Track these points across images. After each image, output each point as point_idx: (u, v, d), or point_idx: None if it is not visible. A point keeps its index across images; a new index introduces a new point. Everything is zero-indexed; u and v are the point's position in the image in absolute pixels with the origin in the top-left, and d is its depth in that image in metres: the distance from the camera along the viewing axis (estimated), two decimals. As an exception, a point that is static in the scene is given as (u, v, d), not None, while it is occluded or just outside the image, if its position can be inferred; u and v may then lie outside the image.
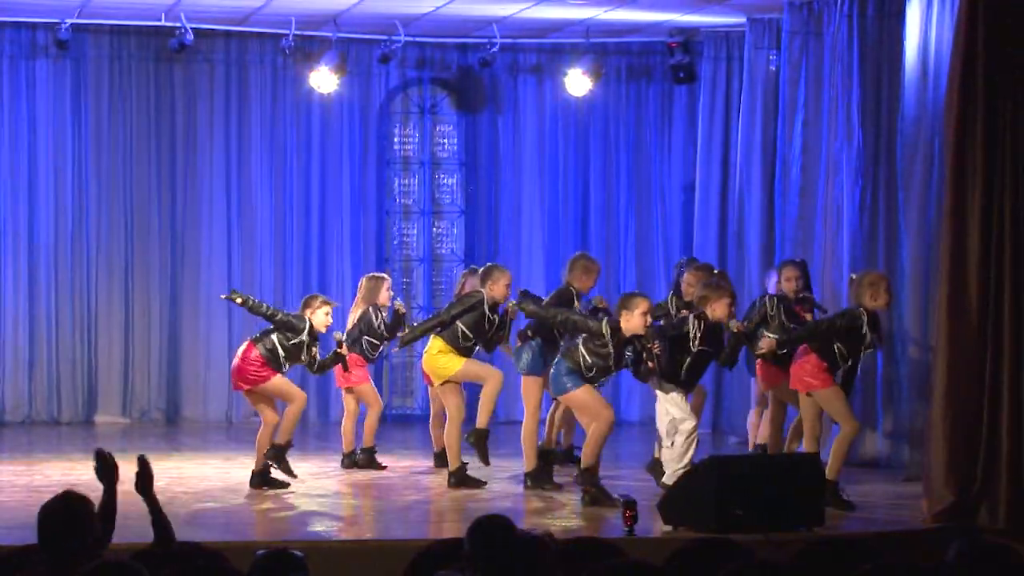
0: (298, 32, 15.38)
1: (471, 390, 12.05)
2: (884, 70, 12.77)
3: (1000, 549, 5.61)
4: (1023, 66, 9.96)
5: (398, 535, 9.82)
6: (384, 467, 12.45)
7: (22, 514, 9.85)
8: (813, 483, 9.74)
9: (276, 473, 11.42)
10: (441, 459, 12.14)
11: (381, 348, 12.70)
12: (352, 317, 12.52)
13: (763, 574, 6.16)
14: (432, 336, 11.50)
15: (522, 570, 5.56)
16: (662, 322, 11.36)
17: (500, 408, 15.46)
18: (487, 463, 11.45)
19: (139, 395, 15.77)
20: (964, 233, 9.98)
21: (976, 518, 9.89)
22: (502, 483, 11.63)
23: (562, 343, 11.36)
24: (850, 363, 10.66)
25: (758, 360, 11.52)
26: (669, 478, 10.52)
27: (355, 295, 12.78)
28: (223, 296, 11.85)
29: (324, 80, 15.31)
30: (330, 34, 15.42)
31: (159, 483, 11.47)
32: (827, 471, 10.27)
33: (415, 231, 16.61)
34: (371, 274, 12.95)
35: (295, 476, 11.43)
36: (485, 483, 11.39)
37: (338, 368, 12.04)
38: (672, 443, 10.72)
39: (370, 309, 12.36)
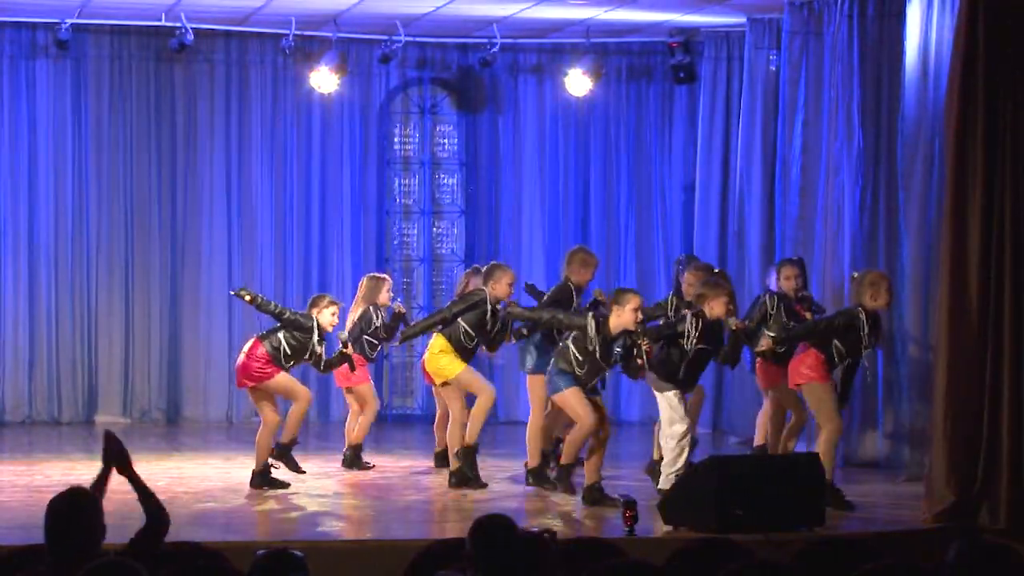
0: (298, 32, 15.39)
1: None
2: (884, 70, 12.77)
3: (1000, 549, 5.61)
4: (1023, 67, 9.95)
5: (398, 535, 9.82)
6: (371, 466, 12.45)
7: (22, 514, 9.86)
8: (813, 483, 9.74)
9: (277, 473, 11.43)
10: (442, 459, 12.14)
11: (380, 348, 12.72)
12: (352, 316, 12.53)
13: (763, 574, 6.16)
14: (435, 335, 11.50)
15: (523, 570, 5.56)
16: (660, 321, 11.35)
17: (500, 408, 15.51)
18: (484, 485, 11.40)
19: (139, 395, 15.77)
20: (964, 233, 9.97)
21: (977, 518, 9.89)
22: (502, 483, 11.64)
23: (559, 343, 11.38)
24: (849, 362, 10.66)
25: (758, 359, 11.52)
26: (664, 483, 10.51)
27: (355, 295, 12.78)
28: (232, 292, 11.85)
29: (324, 80, 15.31)
30: (330, 34, 15.42)
31: (159, 483, 11.54)
32: None
33: (415, 231, 16.61)
34: (372, 274, 12.96)
35: (303, 471, 11.43)
36: (486, 484, 11.39)
37: (340, 368, 12.05)
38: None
39: (370, 308, 12.38)
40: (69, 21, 14.90)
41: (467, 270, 12.91)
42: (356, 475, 12.23)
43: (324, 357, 11.54)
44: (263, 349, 11.31)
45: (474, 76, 16.43)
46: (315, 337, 11.36)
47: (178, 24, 14.83)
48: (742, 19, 14.75)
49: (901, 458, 12.29)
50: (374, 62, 15.99)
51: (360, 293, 12.53)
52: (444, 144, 16.70)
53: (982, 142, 9.93)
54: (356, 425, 12.55)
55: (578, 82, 15.70)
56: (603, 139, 16.54)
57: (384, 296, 12.45)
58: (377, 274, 12.97)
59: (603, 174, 16.51)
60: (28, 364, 15.51)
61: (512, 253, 16.11)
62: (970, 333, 9.94)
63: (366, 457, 12.64)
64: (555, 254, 15.90)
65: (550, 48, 16.43)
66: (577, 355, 10.61)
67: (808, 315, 11.64)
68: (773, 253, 13.93)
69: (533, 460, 11.30)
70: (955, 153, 10.02)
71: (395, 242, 16.56)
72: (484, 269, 11.89)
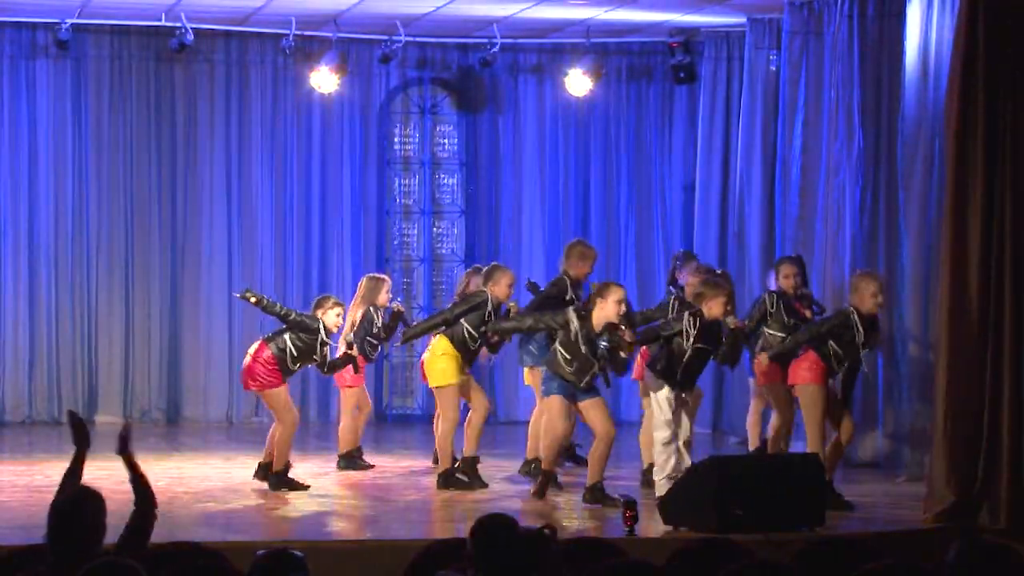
0: (298, 32, 15.39)
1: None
2: (884, 70, 12.77)
3: (1000, 549, 5.60)
4: (1023, 66, 9.95)
5: (398, 535, 9.82)
6: (371, 466, 12.46)
7: (22, 514, 9.86)
8: (813, 483, 9.74)
9: (293, 474, 11.43)
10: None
11: (379, 348, 12.72)
12: (351, 317, 12.51)
13: (763, 574, 6.16)
14: (438, 336, 11.50)
15: (524, 569, 5.56)
16: (660, 322, 11.36)
17: (500, 408, 15.52)
18: (485, 485, 11.42)
19: (139, 395, 15.77)
20: (964, 233, 9.98)
21: (977, 518, 9.90)
22: (502, 483, 11.64)
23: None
24: (847, 364, 10.67)
25: (756, 359, 11.53)
26: (659, 489, 10.51)
27: (354, 295, 12.77)
28: (237, 294, 11.83)
29: (324, 80, 15.31)
30: (330, 34, 15.42)
31: (160, 483, 11.53)
32: None
33: (415, 231, 16.61)
34: (372, 274, 12.96)
35: (307, 487, 11.40)
36: (487, 484, 11.40)
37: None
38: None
39: (370, 309, 12.37)
40: (69, 21, 14.90)
41: (467, 270, 12.90)
42: (356, 475, 12.23)
43: (329, 358, 11.55)
44: (269, 352, 11.30)
45: (474, 76, 16.43)
46: (321, 338, 11.37)
47: (178, 24, 14.83)
48: (742, 19, 14.75)
49: (901, 458, 12.29)
50: (374, 62, 15.99)
51: (359, 294, 12.52)
52: (444, 144, 16.70)
53: (982, 142, 9.93)
54: (353, 427, 12.57)
55: (578, 82, 15.70)
56: (603, 139, 16.54)
57: (383, 297, 12.45)
58: (376, 275, 12.97)
59: (603, 174, 16.52)
60: (28, 364, 15.50)
61: (512, 253, 16.11)
62: (970, 333, 9.94)
63: (365, 457, 12.65)
64: (555, 254, 15.85)
65: (550, 48, 16.43)
66: (565, 355, 10.61)
67: (808, 313, 11.64)
68: (773, 253, 13.93)
69: (532, 453, 11.37)
70: (955, 153, 10.02)
71: (395, 242, 16.56)
72: (484, 270, 11.89)
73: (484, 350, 11.66)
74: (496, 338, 11.57)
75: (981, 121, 9.93)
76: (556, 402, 10.68)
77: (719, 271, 12.16)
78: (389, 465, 12.72)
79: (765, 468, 10.03)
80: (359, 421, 12.64)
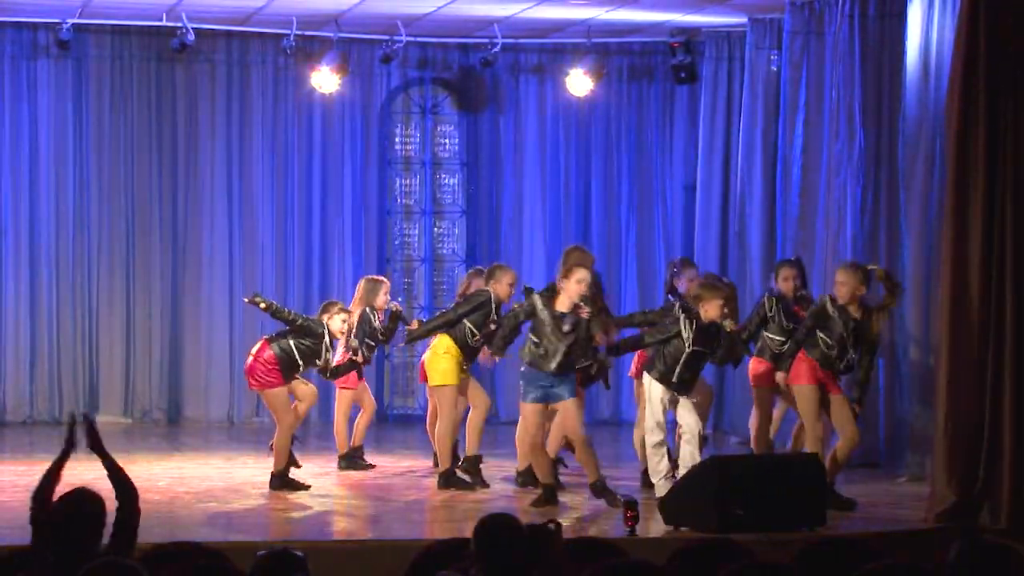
0: (299, 32, 15.39)
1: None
2: (885, 70, 12.77)
3: (1001, 550, 5.61)
4: (1024, 66, 9.96)
5: (399, 535, 9.82)
6: (371, 466, 12.46)
7: (23, 514, 9.82)
8: (814, 483, 9.74)
9: (295, 474, 11.44)
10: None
11: (376, 350, 12.69)
12: (350, 319, 12.50)
13: (764, 574, 6.16)
14: (439, 335, 11.50)
15: (528, 567, 5.56)
16: (641, 331, 11.41)
17: (501, 409, 15.50)
18: (487, 485, 11.42)
19: (140, 395, 15.78)
20: (965, 233, 9.97)
21: (978, 518, 9.89)
22: (503, 483, 11.64)
23: None
24: (850, 358, 10.64)
25: (752, 357, 11.53)
26: (659, 490, 10.50)
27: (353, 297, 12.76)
28: (246, 299, 11.82)
29: (325, 80, 15.31)
30: (331, 34, 15.42)
31: (161, 483, 11.54)
32: None
33: (416, 231, 16.60)
34: (370, 276, 12.96)
35: (308, 487, 11.40)
36: (488, 484, 11.40)
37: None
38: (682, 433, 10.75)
39: (367, 310, 12.34)
40: (70, 21, 14.90)
41: (469, 271, 12.90)
42: (357, 475, 12.24)
43: (332, 363, 11.57)
44: (271, 352, 11.31)
45: (475, 76, 16.43)
46: (325, 343, 11.39)
47: (179, 24, 14.83)
48: (743, 19, 14.75)
49: (902, 458, 12.29)
50: (375, 62, 16.00)
51: (357, 295, 12.50)
52: (445, 144, 16.70)
53: (983, 142, 9.92)
54: (365, 423, 12.60)
55: (579, 82, 15.70)
56: (604, 139, 16.54)
57: (381, 299, 12.44)
58: (374, 276, 12.97)
59: (604, 174, 16.52)
60: (29, 364, 15.51)
61: (513, 253, 16.11)
62: (971, 333, 9.94)
63: (367, 457, 12.65)
64: (556, 254, 15.83)
65: (551, 48, 16.43)
66: (534, 339, 10.61)
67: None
68: (774, 253, 13.93)
69: (523, 462, 11.35)
70: (956, 153, 10.02)
71: (396, 242, 16.56)
72: (486, 270, 11.89)
73: (485, 350, 11.65)
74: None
75: (982, 121, 9.93)
76: (530, 411, 10.67)
77: (726, 280, 12.17)
78: (390, 465, 12.72)
79: (765, 468, 10.02)
80: (363, 421, 12.64)
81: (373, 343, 12.42)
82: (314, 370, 11.78)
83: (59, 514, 5.84)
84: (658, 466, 10.64)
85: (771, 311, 11.43)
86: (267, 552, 5.51)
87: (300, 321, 11.40)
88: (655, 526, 9.67)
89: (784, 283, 11.63)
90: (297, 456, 11.83)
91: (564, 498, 10.91)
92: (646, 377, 10.81)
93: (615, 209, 16.51)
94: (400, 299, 13.29)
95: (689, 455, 10.58)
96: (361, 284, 12.62)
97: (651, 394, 10.74)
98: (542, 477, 10.69)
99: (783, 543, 8.50)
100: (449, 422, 11.45)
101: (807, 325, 10.75)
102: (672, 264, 12.77)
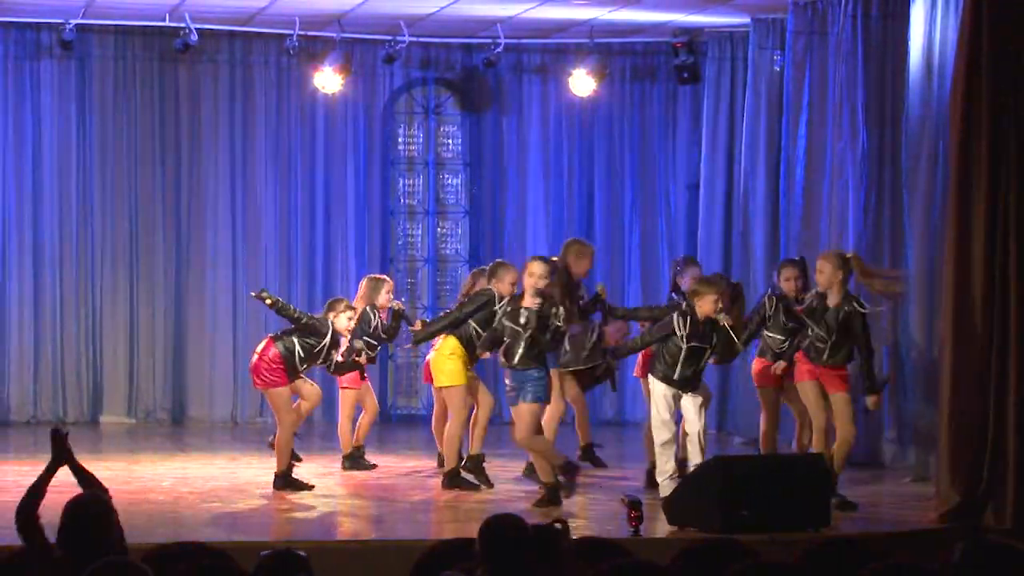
0: (302, 32, 15.39)
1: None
2: (889, 70, 12.76)
3: (1006, 549, 5.60)
4: (1028, 66, 9.96)
5: (403, 535, 9.82)
6: (374, 466, 12.47)
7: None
8: (819, 483, 9.73)
9: (298, 473, 11.44)
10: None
11: (378, 349, 12.66)
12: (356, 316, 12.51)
13: (769, 575, 6.16)
14: (445, 335, 11.51)
15: (534, 567, 5.56)
16: (632, 338, 11.41)
17: (504, 409, 15.47)
18: (491, 485, 11.43)
19: (144, 395, 15.78)
20: (969, 233, 9.97)
21: (982, 518, 9.89)
22: (506, 483, 11.64)
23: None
24: (839, 354, 10.67)
25: (756, 358, 11.55)
26: (663, 490, 10.51)
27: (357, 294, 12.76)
28: (252, 294, 11.81)
29: (328, 80, 15.31)
30: (334, 34, 15.42)
31: (165, 483, 11.55)
32: None
33: (419, 231, 16.60)
34: (372, 275, 12.95)
35: (312, 487, 11.40)
36: (492, 484, 11.40)
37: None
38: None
39: (368, 309, 12.33)
40: (73, 21, 14.91)
41: (473, 271, 12.89)
42: (360, 475, 12.24)
43: (336, 360, 11.57)
44: (275, 350, 11.31)
45: (478, 76, 16.43)
46: (328, 341, 11.38)
47: (182, 24, 14.84)
48: (746, 19, 14.75)
49: (907, 459, 12.28)
50: (378, 62, 16.00)
51: (360, 294, 12.50)
52: (448, 144, 16.70)
53: (986, 142, 9.92)
54: (367, 423, 12.60)
55: (582, 82, 15.70)
56: (607, 139, 16.53)
57: (383, 298, 12.43)
58: (376, 275, 12.96)
59: (607, 174, 16.52)
60: (33, 364, 15.51)
61: (516, 253, 16.05)
62: (975, 333, 9.94)
63: (370, 457, 12.66)
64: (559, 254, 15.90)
65: (554, 48, 16.43)
66: (505, 336, 10.63)
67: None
68: (778, 253, 13.92)
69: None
70: (959, 153, 10.02)
71: (399, 242, 16.56)
72: (488, 268, 11.89)
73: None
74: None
75: (985, 121, 9.93)
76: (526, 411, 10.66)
77: (735, 281, 12.20)
78: (394, 465, 12.72)
79: (770, 468, 10.02)
80: (365, 421, 12.64)
81: (375, 342, 12.40)
82: (318, 367, 11.78)
83: (68, 517, 5.85)
84: (664, 466, 10.64)
85: (771, 311, 11.43)
86: (270, 552, 5.52)
87: (305, 319, 11.40)
88: (659, 526, 9.66)
89: (786, 283, 11.63)
90: (300, 455, 11.84)
91: (573, 499, 10.90)
92: (650, 377, 10.82)
93: (618, 209, 16.51)
94: (403, 299, 13.29)
95: (697, 454, 10.60)
96: (363, 283, 12.62)
97: (655, 393, 10.76)
98: (544, 476, 10.69)
99: (788, 543, 8.49)
100: (459, 422, 11.46)
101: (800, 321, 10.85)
102: (676, 262, 12.79)
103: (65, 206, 15.60)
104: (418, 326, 11.93)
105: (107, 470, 12.16)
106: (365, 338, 12.21)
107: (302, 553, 5.54)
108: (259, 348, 11.46)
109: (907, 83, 12.25)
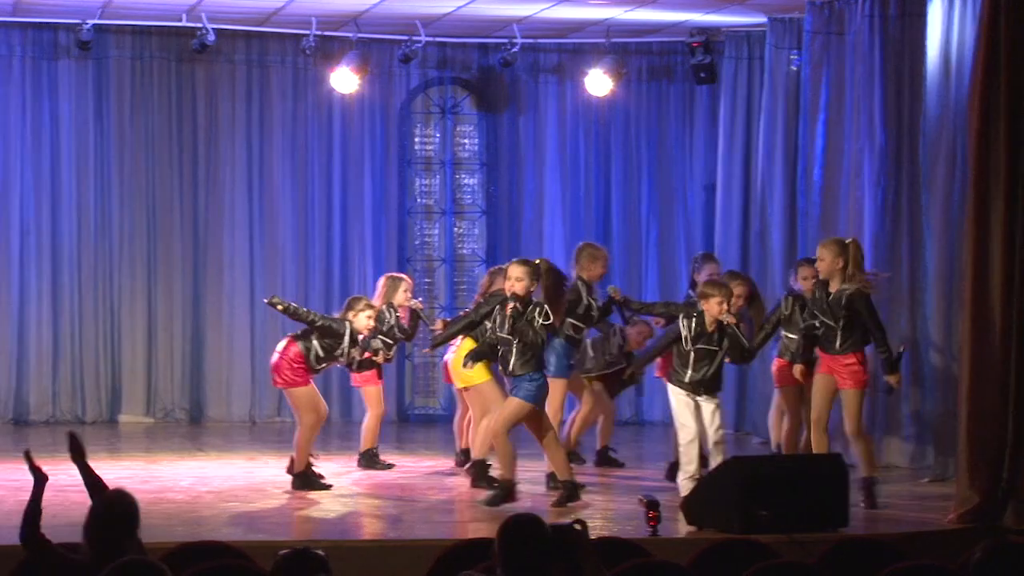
0: (319, 32, 15.41)
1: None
2: (906, 70, 12.73)
3: (1026, 550, 5.60)
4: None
5: (422, 535, 9.81)
6: (391, 465, 12.47)
7: (47, 513, 9.84)
8: (837, 484, 9.71)
9: (316, 471, 11.45)
10: (466, 456, 12.11)
11: (395, 348, 12.65)
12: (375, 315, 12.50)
13: (788, 574, 6.16)
14: (463, 336, 11.50)
15: (551, 566, 5.56)
16: (645, 349, 11.43)
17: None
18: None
19: (163, 395, 15.81)
20: (987, 233, 9.94)
21: (1002, 519, 9.86)
22: (524, 484, 11.61)
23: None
24: (844, 333, 10.68)
25: (776, 358, 11.55)
26: (682, 489, 10.51)
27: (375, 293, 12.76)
28: (266, 301, 11.81)
29: (345, 80, 15.33)
30: (351, 34, 15.44)
31: (183, 483, 11.57)
32: None
33: (436, 231, 16.61)
34: (390, 274, 12.96)
35: (330, 487, 11.41)
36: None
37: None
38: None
39: (384, 308, 12.33)
40: (91, 22, 14.94)
41: (490, 270, 12.87)
42: (379, 475, 12.24)
43: (357, 358, 11.57)
44: (296, 348, 11.31)
45: (495, 76, 16.43)
46: (347, 341, 11.38)
47: (199, 24, 14.87)
48: (763, 19, 14.74)
49: (926, 459, 12.26)
50: (395, 62, 16.01)
51: (378, 292, 12.51)
52: (465, 144, 16.70)
53: (1004, 142, 9.89)
54: (375, 426, 12.58)
55: (599, 82, 15.69)
56: (624, 139, 16.53)
57: (401, 296, 12.42)
58: (395, 274, 12.97)
59: (624, 174, 16.51)
60: (52, 364, 15.55)
61: (533, 253, 15.94)
62: (994, 334, 9.91)
63: (388, 458, 12.66)
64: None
65: (571, 48, 16.42)
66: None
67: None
68: (795, 253, 13.89)
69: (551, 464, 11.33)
70: (977, 153, 9.99)
71: (416, 242, 16.57)
72: (506, 268, 11.86)
73: None
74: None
75: (1003, 120, 9.90)
76: (521, 409, 10.65)
77: (736, 272, 12.19)
78: (412, 465, 12.72)
79: (788, 469, 10.00)
80: (369, 422, 12.60)
81: (391, 341, 12.40)
82: (338, 365, 11.78)
83: (94, 514, 5.89)
84: (687, 465, 10.64)
85: (788, 311, 11.43)
86: (289, 552, 5.52)
87: (320, 321, 11.40)
88: (677, 526, 9.65)
89: (803, 282, 11.63)
90: (317, 453, 11.84)
91: (586, 497, 10.90)
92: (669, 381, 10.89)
93: (635, 209, 16.50)
94: (420, 298, 13.27)
95: (716, 457, 10.61)
96: (382, 280, 12.63)
97: (672, 397, 10.78)
98: (560, 473, 10.67)
99: (806, 544, 8.48)
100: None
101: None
102: (695, 259, 12.81)
103: (83, 206, 15.63)
104: (439, 325, 11.89)
105: (125, 469, 12.20)
106: (381, 337, 12.22)
107: (320, 552, 5.54)
108: (280, 347, 11.45)
109: (925, 82, 12.22)
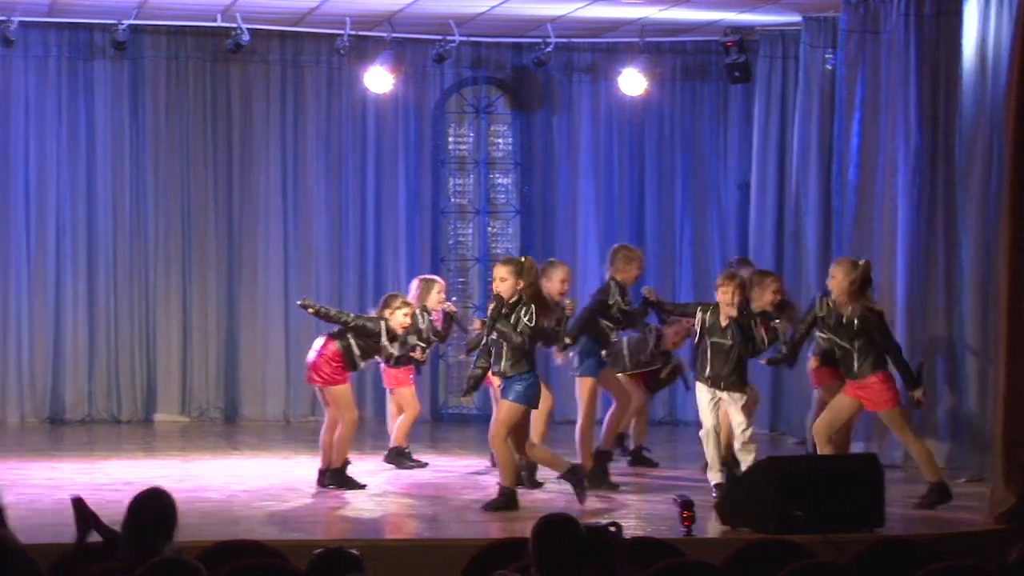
0: (353, 32, 15.44)
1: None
2: (942, 68, 12.68)
3: (1063, 551, 5.57)
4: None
5: (456, 534, 9.82)
6: (424, 464, 12.47)
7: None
8: (873, 484, 9.68)
9: (350, 472, 11.46)
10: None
11: (428, 351, 12.63)
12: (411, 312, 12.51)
13: (824, 575, 6.14)
14: None
15: (586, 567, 5.55)
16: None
17: (556, 407, 15.46)
18: (540, 485, 11.40)
19: (198, 394, 15.86)
20: (1023, 232, 9.89)
21: (1038, 520, 9.82)
22: (558, 483, 11.61)
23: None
24: (861, 355, 10.63)
25: (812, 358, 11.53)
26: (711, 477, 10.56)
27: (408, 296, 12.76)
28: (299, 303, 11.84)
29: (379, 80, 15.36)
30: (385, 34, 15.46)
31: (218, 481, 11.61)
32: None
33: (470, 231, 16.62)
34: (423, 276, 12.97)
35: (364, 486, 11.42)
36: (541, 484, 11.39)
37: (385, 369, 12.18)
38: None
39: (418, 312, 12.33)
40: (126, 22, 14.99)
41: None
42: (412, 474, 12.25)
43: (395, 354, 11.59)
44: (334, 347, 11.33)
45: (529, 75, 16.43)
46: (384, 339, 11.40)
47: (234, 25, 14.91)
48: (798, 18, 14.70)
49: (962, 459, 12.20)
50: (429, 62, 16.03)
51: (411, 296, 12.50)
52: (499, 144, 16.71)
53: (1042, 141, 9.85)
54: (408, 425, 12.59)
55: (633, 81, 15.68)
56: (658, 139, 16.51)
57: (434, 299, 12.44)
58: (427, 276, 12.98)
59: (658, 174, 16.49)
60: (88, 363, 15.62)
61: (568, 253, 16.05)
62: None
63: (422, 457, 12.68)
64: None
65: (605, 47, 16.41)
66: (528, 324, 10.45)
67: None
68: (831, 253, 13.84)
69: (586, 465, 11.27)
70: (1014, 152, 9.94)
71: (450, 242, 16.58)
72: (541, 268, 11.86)
73: (555, 350, 11.61)
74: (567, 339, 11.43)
75: (1041, 119, 9.85)
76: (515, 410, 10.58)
77: (765, 271, 12.21)
78: (446, 464, 12.73)
79: (823, 469, 9.97)
80: (404, 422, 12.61)
81: (424, 345, 12.38)
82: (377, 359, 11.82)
83: (132, 513, 5.92)
84: (707, 456, 10.84)
85: (821, 311, 11.39)
86: (323, 551, 5.53)
87: (353, 321, 11.42)
88: (711, 526, 9.64)
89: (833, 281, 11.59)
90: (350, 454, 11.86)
91: (619, 498, 10.89)
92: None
93: (669, 209, 16.47)
94: (454, 299, 13.29)
95: (745, 455, 10.59)
96: (415, 283, 12.64)
97: (697, 390, 10.84)
98: (505, 480, 10.46)
99: (842, 544, 8.46)
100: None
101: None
102: (730, 263, 12.80)
103: (119, 206, 15.70)
104: (477, 325, 11.88)
105: (161, 468, 12.25)
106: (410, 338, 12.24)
107: (355, 552, 5.55)
108: (317, 345, 11.46)
109: (961, 81, 12.16)
